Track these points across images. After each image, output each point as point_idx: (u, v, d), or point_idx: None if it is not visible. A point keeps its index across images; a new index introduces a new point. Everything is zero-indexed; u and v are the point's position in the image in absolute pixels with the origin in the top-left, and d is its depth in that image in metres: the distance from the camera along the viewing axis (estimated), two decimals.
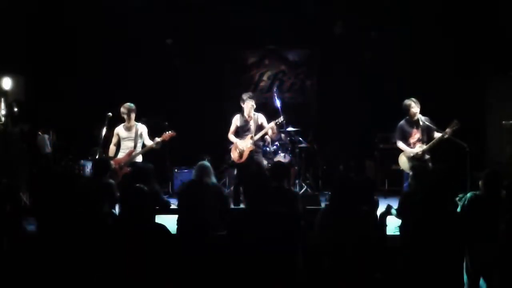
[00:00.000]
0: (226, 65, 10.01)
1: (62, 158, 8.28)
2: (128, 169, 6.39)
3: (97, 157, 6.60)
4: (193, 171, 5.19)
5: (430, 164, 6.28)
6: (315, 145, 8.73)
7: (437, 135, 6.24)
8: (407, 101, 6.37)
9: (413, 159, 6.29)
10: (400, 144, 6.44)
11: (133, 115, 6.64)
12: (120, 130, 6.69)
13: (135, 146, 6.57)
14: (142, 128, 6.68)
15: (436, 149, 6.32)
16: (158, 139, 6.49)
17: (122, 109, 6.61)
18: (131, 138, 6.60)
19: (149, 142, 6.59)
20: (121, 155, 6.61)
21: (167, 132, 6.55)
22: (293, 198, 4.68)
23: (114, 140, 6.70)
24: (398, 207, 4.67)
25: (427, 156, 6.30)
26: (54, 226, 3.66)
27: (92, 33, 8.98)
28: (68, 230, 3.64)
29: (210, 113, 9.37)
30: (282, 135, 8.12)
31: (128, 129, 6.65)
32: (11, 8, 8.14)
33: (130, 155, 6.53)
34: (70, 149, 8.31)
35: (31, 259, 3.70)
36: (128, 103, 6.67)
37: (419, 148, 6.31)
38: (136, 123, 6.70)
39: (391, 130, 6.84)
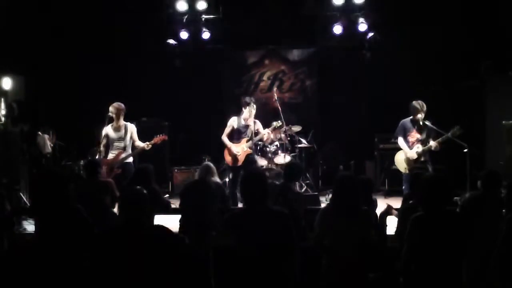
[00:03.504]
0: (226, 65, 10.01)
1: (62, 158, 8.29)
2: (119, 170, 6.35)
3: (96, 157, 6.59)
4: (198, 171, 5.18)
5: (429, 166, 6.31)
6: (315, 145, 8.73)
7: (431, 142, 6.27)
8: (415, 104, 6.38)
9: (409, 160, 6.34)
10: (400, 142, 6.48)
11: (122, 115, 6.49)
12: (108, 130, 6.52)
13: (124, 147, 6.47)
14: (132, 128, 6.54)
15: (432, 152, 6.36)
16: (149, 142, 6.43)
17: (111, 109, 6.46)
18: (120, 139, 6.47)
19: (140, 143, 6.49)
20: (111, 156, 6.47)
21: (158, 136, 6.51)
22: (295, 198, 4.69)
23: (104, 141, 6.52)
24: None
25: (423, 158, 6.33)
26: (53, 226, 3.65)
27: (92, 33, 8.98)
28: (67, 230, 3.63)
29: (210, 113, 9.38)
30: (282, 135, 8.11)
31: (117, 129, 6.50)
32: (11, 8, 8.14)
33: (119, 156, 6.44)
34: (70, 149, 8.32)
35: (31, 259, 3.69)
36: (117, 103, 6.53)
37: (416, 149, 6.34)
38: (126, 123, 6.55)
39: (391, 130, 6.85)
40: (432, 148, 6.27)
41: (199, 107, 9.53)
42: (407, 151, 6.39)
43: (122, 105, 6.52)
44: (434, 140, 6.31)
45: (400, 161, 6.51)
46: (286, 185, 4.85)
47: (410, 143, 6.43)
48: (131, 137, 6.51)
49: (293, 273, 3.34)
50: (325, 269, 3.63)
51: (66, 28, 8.98)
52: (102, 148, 6.53)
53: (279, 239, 3.22)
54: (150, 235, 3.24)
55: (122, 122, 6.52)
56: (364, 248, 3.57)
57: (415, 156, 6.33)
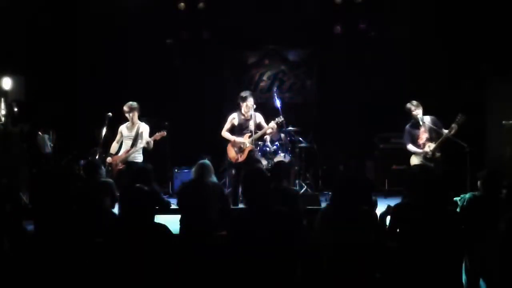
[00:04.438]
0: (226, 65, 10.00)
1: (62, 158, 8.28)
2: (122, 166, 6.53)
3: (97, 157, 6.62)
4: (193, 170, 5.17)
5: (440, 164, 6.31)
6: (315, 145, 8.73)
7: (444, 131, 6.29)
8: (407, 105, 6.48)
9: (425, 159, 6.35)
10: (410, 147, 6.53)
11: (135, 114, 6.69)
12: (123, 128, 6.78)
13: (132, 145, 6.63)
14: (144, 128, 6.70)
15: (445, 146, 6.35)
16: (149, 139, 6.53)
17: (125, 108, 6.68)
18: (131, 137, 6.67)
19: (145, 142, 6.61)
20: (121, 153, 6.70)
21: (157, 133, 6.62)
22: (294, 197, 4.69)
23: (117, 137, 6.79)
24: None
25: (437, 154, 6.35)
26: (54, 226, 3.66)
27: (92, 33, 8.98)
28: (68, 230, 3.63)
29: (210, 113, 9.38)
30: (282, 135, 8.11)
31: (130, 128, 6.73)
32: (11, 8, 8.13)
33: (127, 153, 6.61)
34: (70, 149, 8.31)
35: (31, 259, 3.70)
36: (131, 102, 6.73)
37: (427, 148, 6.36)
38: (140, 122, 6.75)
39: (391, 130, 6.86)
40: (453, 132, 6.23)
41: (199, 107, 9.53)
42: (419, 152, 6.42)
43: (135, 104, 6.70)
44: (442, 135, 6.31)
45: (416, 163, 6.49)
46: (276, 186, 4.80)
47: (422, 146, 6.47)
48: (141, 137, 6.62)
49: (294, 273, 3.34)
50: (325, 269, 3.63)
51: (66, 28, 8.98)
52: (115, 144, 6.77)
53: (280, 239, 3.22)
54: (151, 234, 3.24)
55: (136, 121, 6.72)
56: (364, 249, 3.56)
57: (430, 153, 6.33)
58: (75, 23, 8.95)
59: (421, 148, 6.45)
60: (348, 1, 8.67)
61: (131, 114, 6.67)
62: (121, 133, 6.77)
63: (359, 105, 9.29)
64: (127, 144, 6.70)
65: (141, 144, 6.61)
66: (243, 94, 6.87)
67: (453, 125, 6.23)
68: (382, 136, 8.70)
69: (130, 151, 6.60)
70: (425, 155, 6.37)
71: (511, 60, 8.02)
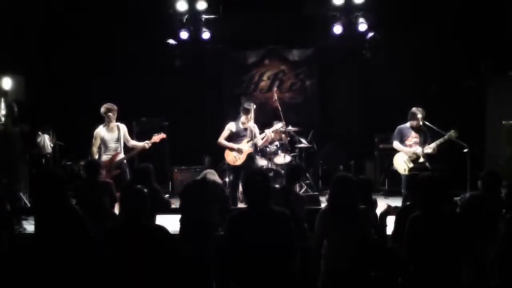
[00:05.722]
0: (226, 65, 10.01)
1: (62, 158, 8.28)
2: (119, 170, 6.35)
3: (96, 157, 6.58)
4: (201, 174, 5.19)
5: (427, 164, 6.31)
6: (315, 145, 8.74)
7: (428, 147, 6.29)
8: (414, 110, 6.40)
9: (409, 159, 6.35)
10: (396, 144, 6.50)
11: (115, 115, 6.44)
12: (102, 131, 6.44)
13: (120, 147, 6.46)
14: (124, 128, 6.54)
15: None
16: (148, 141, 6.44)
17: (103, 109, 6.41)
18: (115, 139, 6.45)
19: (135, 142, 6.53)
20: (106, 157, 6.42)
21: (157, 134, 6.52)
22: (297, 201, 4.70)
23: (96, 142, 6.44)
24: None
25: (422, 159, 6.34)
26: (52, 226, 3.66)
27: (93, 33, 8.98)
28: (67, 230, 3.63)
29: (210, 113, 9.38)
30: (282, 135, 8.12)
31: (111, 130, 6.46)
32: (11, 8, 8.14)
33: (116, 157, 6.42)
34: (70, 149, 8.31)
35: (31, 259, 3.70)
36: (108, 103, 6.48)
37: (415, 149, 6.35)
38: (117, 123, 6.51)
39: (391, 130, 6.85)
40: (430, 152, 6.28)
41: (199, 107, 9.53)
42: (406, 151, 6.40)
43: (115, 106, 6.48)
44: (430, 144, 6.32)
45: (399, 162, 6.50)
46: (287, 187, 4.87)
47: (408, 146, 6.45)
48: (124, 137, 6.51)
49: (294, 273, 3.34)
50: (325, 269, 3.63)
51: (66, 28, 8.98)
52: (94, 149, 6.45)
53: (281, 239, 3.21)
54: (150, 236, 3.24)
55: (114, 122, 6.48)
56: (364, 248, 3.57)
57: (414, 155, 6.34)
58: (75, 23, 8.95)
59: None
60: (348, 1, 8.67)
61: (111, 116, 6.39)
62: (100, 137, 6.42)
63: (359, 105, 9.29)
64: (112, 147, 6.44)
65: (123, 143, 6.45)
66: (247, 106, 6.90)
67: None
68: (382, 136, 8.70)
69: (120, 156, 6.42)
70: (410, 156, 6.37)
71: (511, 60, 8.02)
